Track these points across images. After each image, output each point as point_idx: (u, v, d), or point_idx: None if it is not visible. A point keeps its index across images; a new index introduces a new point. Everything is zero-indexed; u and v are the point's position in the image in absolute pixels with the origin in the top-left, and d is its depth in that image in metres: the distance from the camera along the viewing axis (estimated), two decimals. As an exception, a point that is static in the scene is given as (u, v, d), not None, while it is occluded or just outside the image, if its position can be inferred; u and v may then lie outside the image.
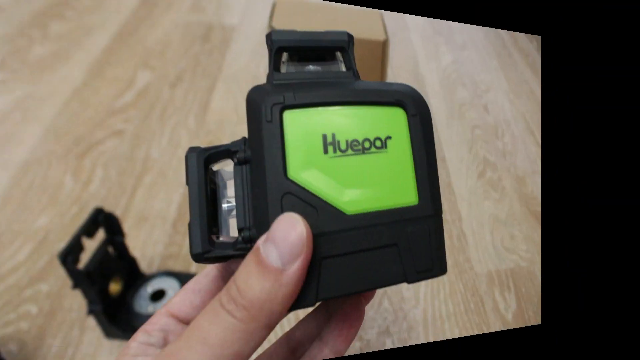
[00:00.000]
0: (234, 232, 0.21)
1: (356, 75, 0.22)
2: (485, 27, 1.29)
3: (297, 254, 0.18)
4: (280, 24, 0.60)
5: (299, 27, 0.59)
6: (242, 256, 0.19)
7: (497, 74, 1.06)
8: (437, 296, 0.54)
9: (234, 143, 0.21)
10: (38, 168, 0.61)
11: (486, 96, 0.97)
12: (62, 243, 0.52)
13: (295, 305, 0.19)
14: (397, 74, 0.99)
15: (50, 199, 0.57)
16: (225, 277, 0.22)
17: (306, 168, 0.20)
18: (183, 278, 0.48)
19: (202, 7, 1.02)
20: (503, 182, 0.71)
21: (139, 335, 0.20)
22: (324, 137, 0.20)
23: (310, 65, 0.23)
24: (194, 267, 0.51)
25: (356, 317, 0.22)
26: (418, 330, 0.52)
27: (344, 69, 0.22)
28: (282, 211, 0.19)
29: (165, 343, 0.20)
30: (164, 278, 0.48)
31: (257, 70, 0.84)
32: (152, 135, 0.68)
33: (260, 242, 0.18)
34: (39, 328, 0.44)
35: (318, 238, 0.19)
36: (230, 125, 0.71)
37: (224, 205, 0.21)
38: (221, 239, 0.20)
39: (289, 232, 0.18)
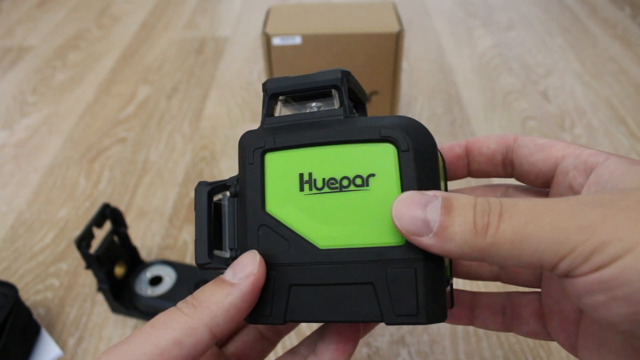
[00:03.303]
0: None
1: (347, 111, 0.21)
2: (545, 0, 1.06)
3: (248, 274, 0.19)
4: (275, 30, 0.58)
5: (295, 31, 0.57)
6: None
7: (564, 54, 0.86)
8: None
9: (230, 179, 0.22)
10: (59, 170, 0.67)
11: (545, 82, 0.79)
12: (77, 231, 0.57)
13: (259, 319, 0.20)
14: (415, 66, 0.86)
15: (68, 196, 0.62)
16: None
17: (283, 204, 0.20)
18: (178, 267, 0.49)
19: (196, 24, 1.05)
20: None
21: None
22: (301, 175, 0.20)
23: (312, 103, 0.23)
24: (188, 257, 0.53)
25: (353, 331, 0.21)
26: (443, 344, 0.43)
27: (336, 104, 0.22)
28: (257, 239, 0.20)
29: None
30: (161, 266, 0.50)
31: (250, 77, 0.85)
32: (151, 141, 0.71)
33: None
34: (60, 298, 0.49)
35: (287, 267, 0.19)
36: (223, 129, 0.72)
37: (227, 226, 0.22)
38: (224, 253, 0.22)
39: (244, 259, 0.19)
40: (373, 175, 0.19)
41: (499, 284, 0.26)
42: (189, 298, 0.19)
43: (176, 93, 0.83)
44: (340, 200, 0.19)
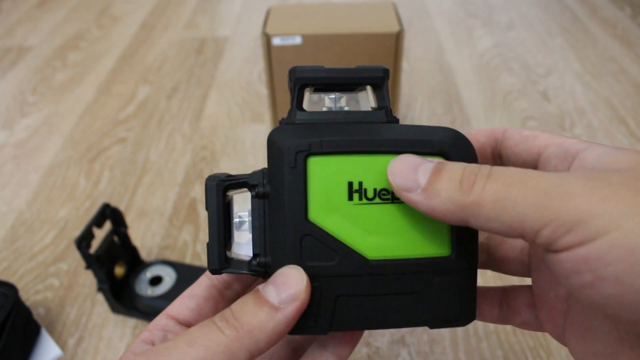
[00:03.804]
0: (239, 241, 0.21)
1: (389, 115, 0.20)
2: (545, 0, 1.06)
3: (294, 298, 0.18)
4: (275, 30, 0.57)
5: (295, 31, 0.57)
6: (254, 275, 0.20)
7: (564, 54, 0.86)
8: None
9: (253, 176, 0.20)
10: (59, 170, 0.67)
11: (545, 81, 0.80)
12: (77, 231, 0.57)
13: (302, 330, 0.19)
14: (415, 66, 0.86)
15: (69, 196, 0.62)
16: (217, 285, 0.22)
17: (328, 213, 0.19)
18: (178, 267, 0.49)
19: (196, 24, 1.05)
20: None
21: (143, 334, 0.21)
22: (350, 184, 0.19)
23: (332, 95, 0.21)
24: (188, 257, 0.53)
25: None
26: (443, 344, 0.43)
27: (372, 102, 0.21)
28: (300, 249, 0.19)
29: (164, 340, 0.20)
30: (161, 266, 0.50)
31: (250, 77, 0.85)
32: (151, 141, 0.71)
33: (261, 286, 0.18)
34: (60, 298, 0.49)
35: (335, 278, 0.19)
36: (223, 129, 0.72)
37: (235, 220, 0.21)
38: (233, 254, 0.20)
39: (290, 278, 0.18)
40: None
41: (498, 281, 0.26)
42: (228, 314, 0.18)
43: (176, 93, 0.83)
44: (391, 212, 0.19)
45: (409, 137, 0.19)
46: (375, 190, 0.19)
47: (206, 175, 0.65)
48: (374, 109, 0.21)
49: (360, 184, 0.19)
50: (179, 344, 0.17)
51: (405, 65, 0.87)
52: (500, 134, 0.22)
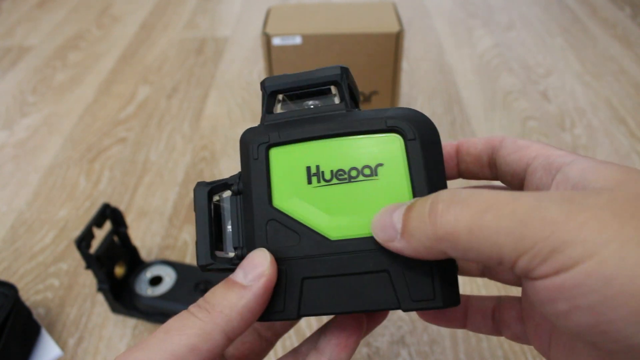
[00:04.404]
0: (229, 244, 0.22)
1: (349, 106, 0.21)
2: (545, 0, 1.06)
3: (260, 275, 0.18)
4: (275, 30, 0.58)
5: (295, 31, 0.57)
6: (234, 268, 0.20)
7: (564, 54, 0.86)
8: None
9: (232, 177, 0.22)
10: (59, 171, 0.67)
11: (545, 82, 0.79)
12: (77, 231, 0.57)
13: (272, 316, 0.19)
14: (415, 66, 0.86)
15: (69, 196, 0.62)
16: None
17: (290, 197, 0.20)
18: (178, 267, 0.49)
19: (196, 24, 1.05)
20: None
21: None
22: (308, 168, 0.20)
23: (309, 101, 0.22)
24: (188, 258, 0.53)
25: (356, 326, 0.21)
26: (443, 344, 0.43)
27: (337, 101, 0.22)
28: (266, 234, 0.20)
29: None
30: (161, 266, 0.50)
31: (250, 77, 0.85)
32: (151, 141, 0.71)
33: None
34: (60, 298, 0.49)
35: (298, 260, 0.19)
36: (223, 129, 0.72)
37: (228, 228, 0.22)
38: (224, 254, 0.21)
39: (254, 258, 0.19)
40: (381, 164, 0.20)
41: (501, 288, 0.26)
42: (201, 302, 0.19)
43: (176, 93, 0.83)
44: (350, 191, 0.19)
45: (361, 118, 0.20)
46: (331, 171, 0.20)
47: (206, 175, 0.66)
48: (337, 104, 0.22)
49: (318, 167, 0.20)
50: (156, 334, 0.18)
51: (405, 65, 0.87)
52: (498, 142, 0.22)
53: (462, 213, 0.15)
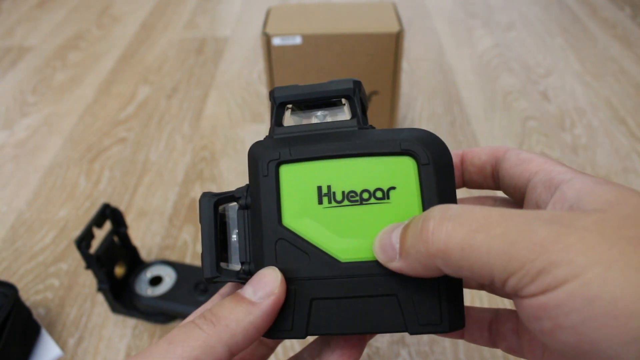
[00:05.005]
0: (234, 255, 0.22)
1: (361, 122, 0.21)
2: (545, 0, 1.06)
3: (269, 293, 0.18)
4: (275, 30, 0.57)
5: (295, 31, 0.57)
6: (241, 283, 0.21)
7: (564, 54, 0.86)
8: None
9: (238, 190, 0.21)
10: (59, 170, 0.67)
11: (545, 82, 0.79)
12: (77, 231, 0.57)
13: (280, 334, 0.19)
14: (415, 66, 0.86)
15: (69, 196, 0.63)
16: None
17: (300, 217, 0.20)
18: (178, 267, 0.49)
19: (196, 24, 1.05)
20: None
21: None
22: (319, 188, 0.20)
23: (317, 112, 0.22)
24: (188, 257, 0.53)
25: (360, 337, 0.21)
26: (443, 344, 0.43)
27: (347, 114, 0.21)
28: (275, 253, 0.20)
29: None
30: (161, 266, 0.50)
31: (250, 77, 0.85)
32: (151, 141, 0.71)
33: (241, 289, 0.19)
34: (60, 298, 0.49)
35: (308, 281, 0.19)
36: (223, 129, 0.72)
37: (233, 237, 0.21)
38: (229, 265, 0.21)
39: (265, 276, 0.19)
40: (394, 188, 0.19)
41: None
42: (207, 313, 0.19)
43: (176, 93, 0.83)
44: (361, 213, 0.19)
45: (375, 138, 0.20)
46: (343, 192, 0.20)
47: (206, 175, 0.66)
48: (348, 119, 0.21)
49: (329, 187, 0.20)
50: (159, 344, 0.18)
51: (405, 65, 0.87)
52: (501, 154, 0.22)
53: (454, 231, 0.15)
